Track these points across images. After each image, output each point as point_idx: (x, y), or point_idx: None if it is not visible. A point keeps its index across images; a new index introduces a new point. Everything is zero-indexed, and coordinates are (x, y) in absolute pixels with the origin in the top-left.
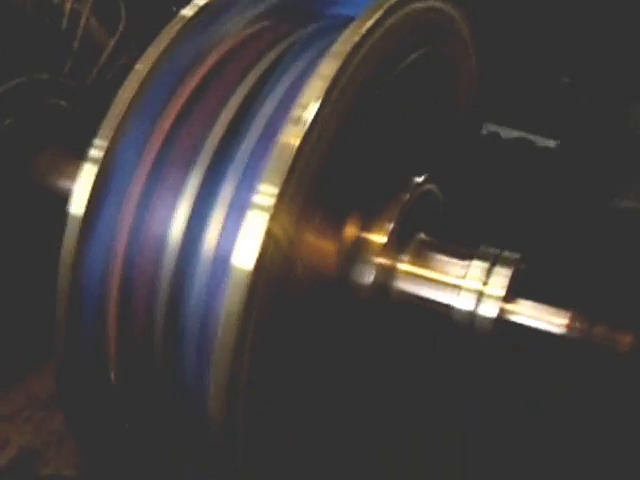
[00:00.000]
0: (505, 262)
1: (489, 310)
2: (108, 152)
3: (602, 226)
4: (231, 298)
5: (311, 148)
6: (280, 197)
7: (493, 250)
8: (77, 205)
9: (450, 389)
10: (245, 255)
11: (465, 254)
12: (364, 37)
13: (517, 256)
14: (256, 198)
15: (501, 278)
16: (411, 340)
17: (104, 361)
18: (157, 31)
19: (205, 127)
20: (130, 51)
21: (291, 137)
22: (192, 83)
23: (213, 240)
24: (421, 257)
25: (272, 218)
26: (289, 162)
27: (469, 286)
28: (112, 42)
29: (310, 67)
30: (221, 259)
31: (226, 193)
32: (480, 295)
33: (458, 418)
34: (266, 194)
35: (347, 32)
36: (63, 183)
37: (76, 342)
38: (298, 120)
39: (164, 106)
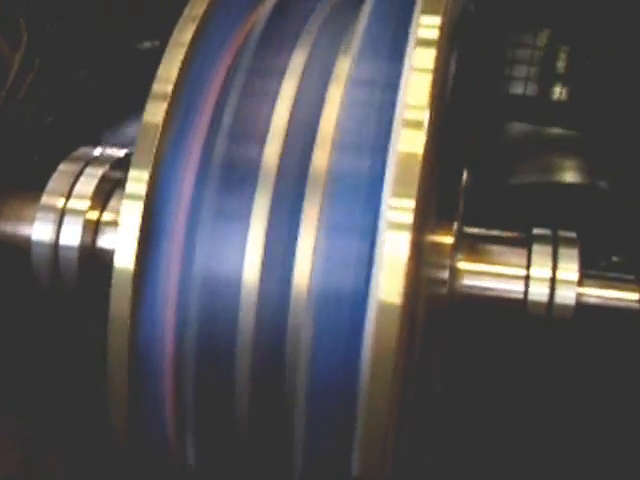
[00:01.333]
0: (567, 243)
1: (566, 297)
2: (151, 185)
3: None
4: (380, 343)
5: (428, 153)
6: (416, 212)
7: (545, 231)
8: (125, 256)
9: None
10: (391, 286)
11: (519, 240)
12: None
13: (574, 234)
14: (392, 215)
15: (570, 260)
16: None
17: (180, 439)
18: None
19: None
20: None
21: (413, 143)
22: (217, 96)
23: (306, 271)
24: (476, 252)
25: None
26: (417, 170)
27: (539, 275)
28: (17, 58)
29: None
30: (339, 292)
31: (310, 212)
32: (553, 282)
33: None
34: (402, 209)
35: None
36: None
37: (143, 417)
38: (415, 124)
39: (194, 122)
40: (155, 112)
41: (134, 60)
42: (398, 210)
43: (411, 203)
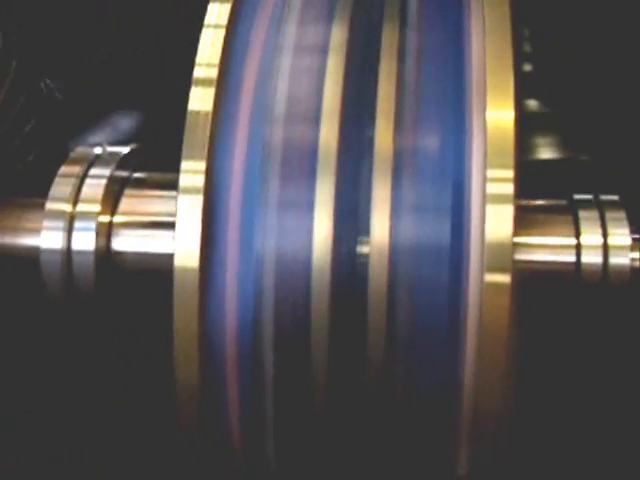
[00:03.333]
0: (612, 206)
1: (620, 263)
2: (208, 176)
3: None
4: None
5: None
6: (515, 183)
7: (587, 196)
8: (187, 253)
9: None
10: (500, 261)
11: (562, 207)
12: None
13: (616, 197)
14: (493, 188)
15: (619, 225)
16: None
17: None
18: None
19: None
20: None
21: (503, 108)
22: (257, 77)
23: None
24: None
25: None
26: (511, 138)
27: (591, 242)
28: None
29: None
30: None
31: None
32: (606, 248)
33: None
34: (502, 180)
35: None
36: None
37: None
38: (501, 89)
39: (240, 106)
40: (202, 99)
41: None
42: (498, 182)
43: (510, 173)
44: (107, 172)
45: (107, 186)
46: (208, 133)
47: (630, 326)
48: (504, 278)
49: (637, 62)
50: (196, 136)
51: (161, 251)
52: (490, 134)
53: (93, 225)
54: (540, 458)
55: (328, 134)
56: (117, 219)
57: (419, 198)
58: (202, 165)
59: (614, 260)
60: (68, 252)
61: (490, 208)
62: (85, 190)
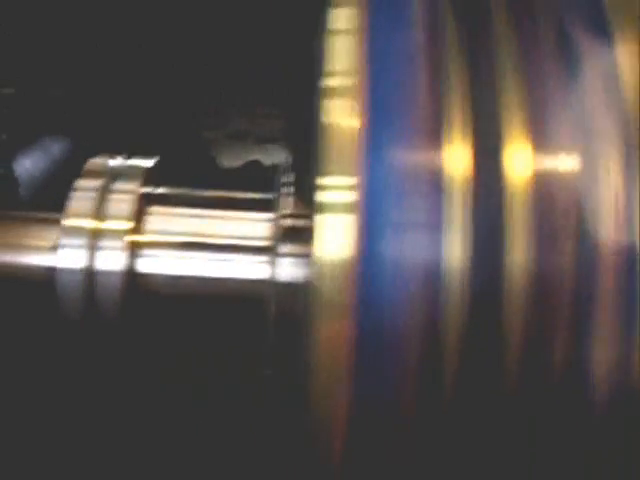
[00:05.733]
0: None
1: None
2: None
3: None
4: None
5: None
6: None
7: None
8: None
9: None
10: None
11: None
12: None
13: None
14: None
15: None
16: None
17: None
18: None
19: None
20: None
21: None
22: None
23: None
24: None
25: None
26: None
27: None
28: None
29: None
30: None
31: None
32: None
33: None
34: None
35: None
36: None
37: None
38: None
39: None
40: (340, 109)
41: None
42: None
43: None
44: (133, 186)
45: (135, 202)
46: (356, 147)
47: None
48: None
49: None
50: (343, 150)
51: (195, 274)
52: None
53: (120, 244)
54: None
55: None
56: (145, 238)
57: None
58: (352, 181)
59: None
60: (90, 272)
61: None
62: (110, 205)
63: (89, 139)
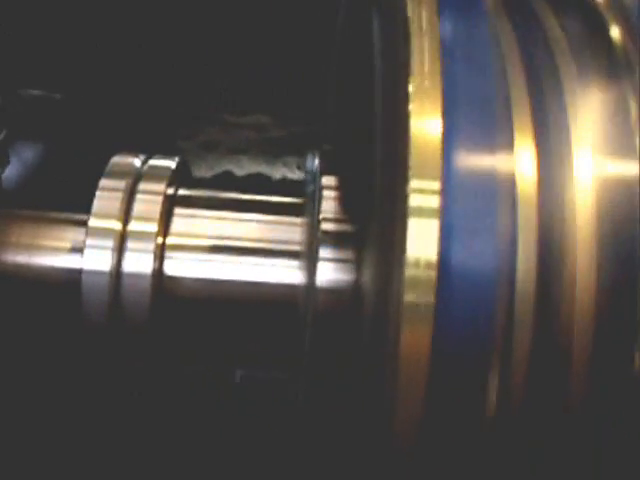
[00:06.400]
0: None
1: None
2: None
3: None
4: None
5: None
6: None
7: None
8: (422, 288)
9: None
10: None
11: None
12: None
13: None
14: None
15: None
16: None
17: None
18: None
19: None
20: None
21: None
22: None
23: None
24: None
25: None
26: None
27: None
28: None
29: None
30: None
31: None
32: None
33: None
34: None
35: None
36: None
37: None
38: None
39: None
40: (428, 111)
41: None
42: None
43: None
44: (160, 187)
45: (163, 203)
46: (440, 152)
47: None
48: None
49: None
50: (427, 153)
51: (223, 277)
52: None
53: (151, 246)
54: None
55: None
56: (171, 240)
57: None
58: (436, 185)
59: None
60: (117, 274)
61: None
62: (137, 206)
63: (63, 145)
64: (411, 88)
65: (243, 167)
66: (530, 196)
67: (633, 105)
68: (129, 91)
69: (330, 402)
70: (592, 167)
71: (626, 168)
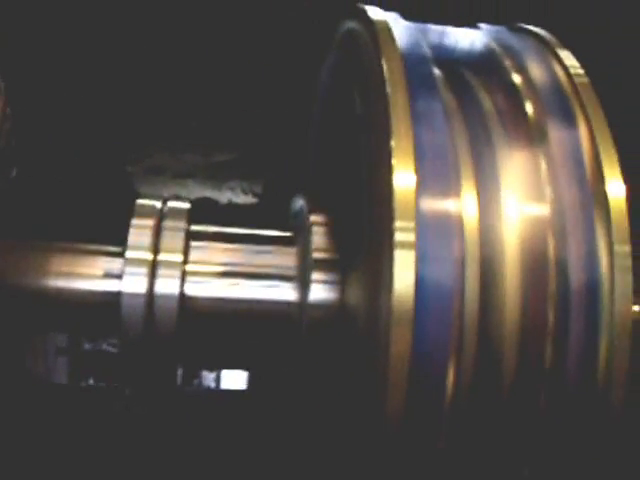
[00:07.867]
0: None
1: None
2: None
3: None
4: None
5: None
6: None
7: None
8: (405, 301)
9: None
10: None
11: None
12: None
13: None
14: None
15: None
16: None
17: None
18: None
19: None
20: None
21: None
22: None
23: None
24: None
25: None
26: None
27: None
28: None
29: None
30: None
31: None
32: None
33: None
34: None
35: None
36: None
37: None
38: None
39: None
40: (404, 166)
41: None
42: None
43: None
44: (181, 224)
45: (184, 237)
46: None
47: None
48: None
49: None
50: (406, 201)
51: (232, 296)
52: None
53: (177, 273)
54: None
55: None
56: (192, 267)
57: None
58: (412, 224)
59: None
60: (150, 296)
61: None
62: (164, 240)
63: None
64: (393, 145)
65: (191, 191)
66: (474, 233)
67: (542, 164)
68: (77, 115)
69: (323, 396)
70: (515, 210)
71: (539, 210)
